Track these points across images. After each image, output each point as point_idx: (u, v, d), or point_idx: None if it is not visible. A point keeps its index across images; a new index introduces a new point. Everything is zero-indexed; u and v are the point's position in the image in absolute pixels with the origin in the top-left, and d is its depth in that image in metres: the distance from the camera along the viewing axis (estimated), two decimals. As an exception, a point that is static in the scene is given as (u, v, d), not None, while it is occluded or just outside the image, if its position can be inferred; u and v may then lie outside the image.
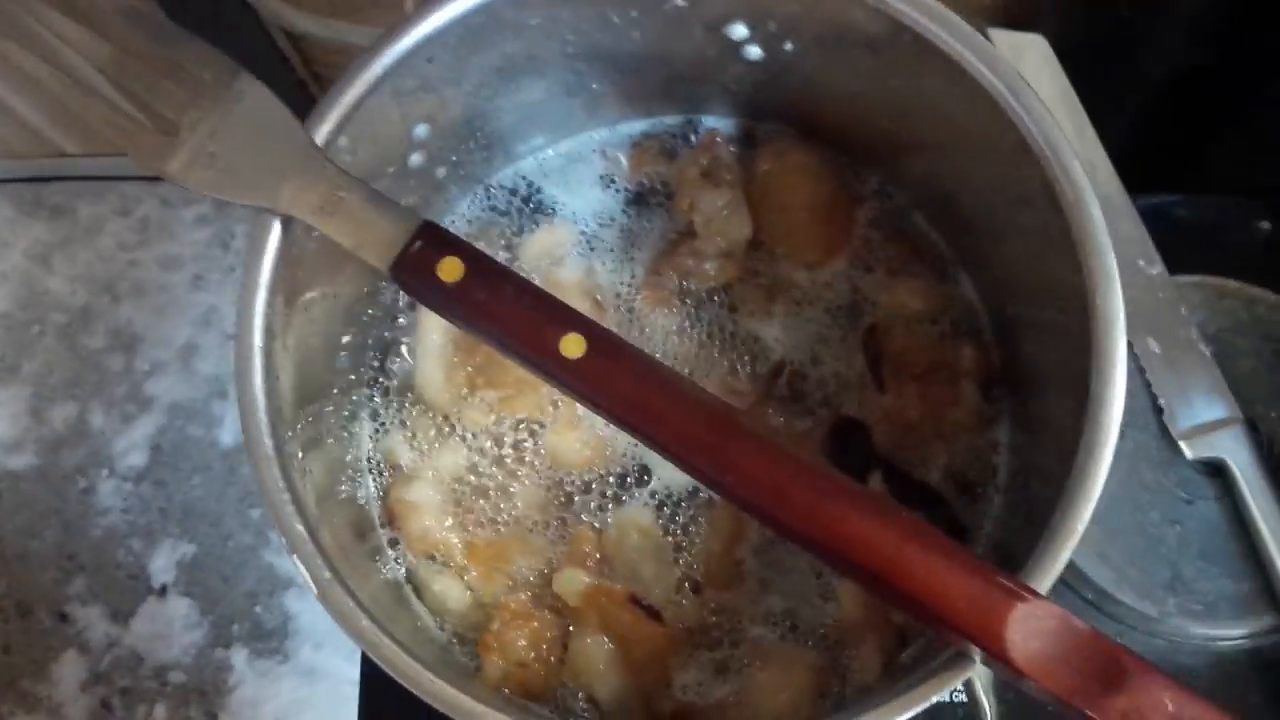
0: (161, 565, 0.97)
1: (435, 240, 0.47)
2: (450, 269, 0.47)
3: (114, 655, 0.95)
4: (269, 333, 0.49)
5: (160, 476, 0.99)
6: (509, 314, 0.47)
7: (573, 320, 0.46)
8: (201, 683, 0.94)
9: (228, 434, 0.97)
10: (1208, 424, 0.65)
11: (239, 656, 0.95)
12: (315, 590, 0.46)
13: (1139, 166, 0.70)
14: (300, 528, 0.47)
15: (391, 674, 0.47)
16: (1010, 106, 0.49)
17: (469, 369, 0.60)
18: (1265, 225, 0.72)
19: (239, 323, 0.48)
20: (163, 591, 0.97)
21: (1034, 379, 0.58)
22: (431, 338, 0.60)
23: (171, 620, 0.96)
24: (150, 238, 1.04)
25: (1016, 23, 0.74)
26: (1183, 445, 0.65)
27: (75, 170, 1.03)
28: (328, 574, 0.47)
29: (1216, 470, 0.65)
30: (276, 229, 0.49)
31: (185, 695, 0.94)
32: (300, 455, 0.51)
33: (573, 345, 0.45)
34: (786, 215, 0.62)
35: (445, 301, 0.47)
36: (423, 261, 0.47)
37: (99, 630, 0.96)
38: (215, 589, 0.96)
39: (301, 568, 0.47)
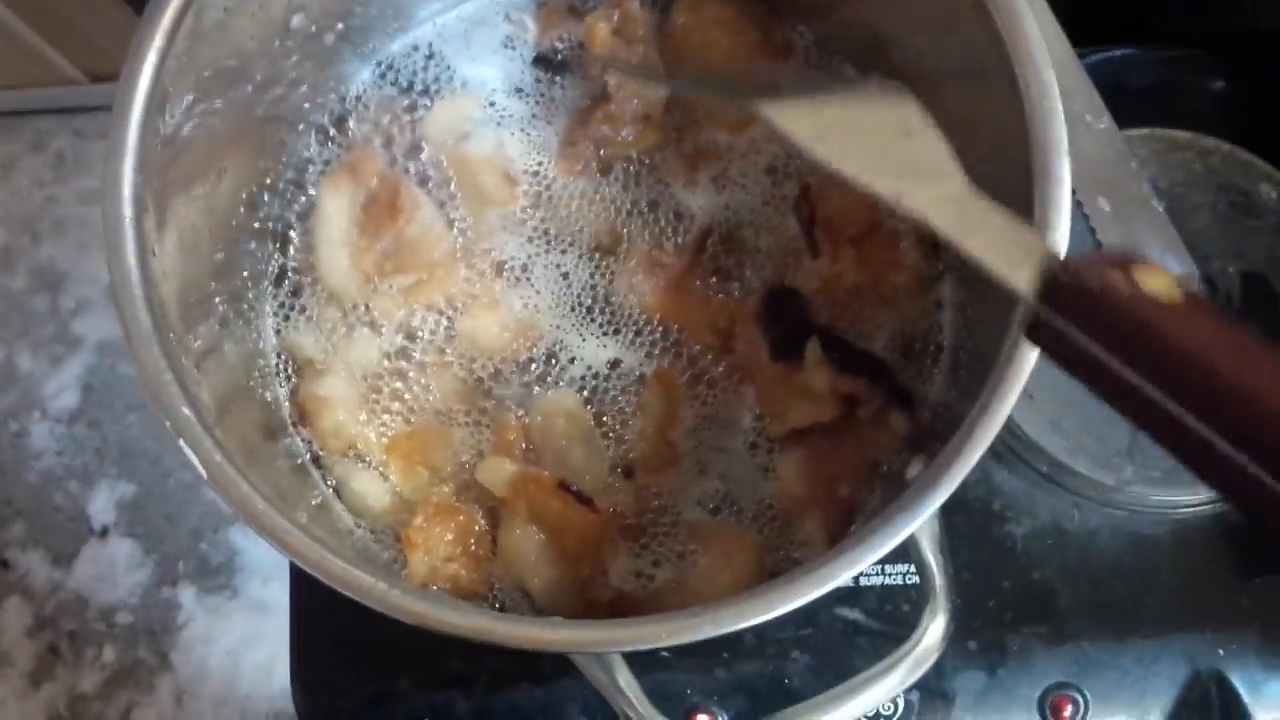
0: (101, 506, 0.94)
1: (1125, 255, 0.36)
2: (1160, 282, 0.34)
3: (58, 599, 0.92)
4: (140, 206, 0.45)
5: (94, 416, 0.96)
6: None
7: None
8: (150, 623, 0.92)
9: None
10: (1162, 281, 0.62)
11: (186, 594, 0.92)
12: (204, 473, 0.43)
13: (1087, 21, 0.67)
14: (187, 411, 0.44)
15: (300, 563, 0.44)
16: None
17: (376, 253, 0.56)
18: (1218, 76, 0.68)
19: (105, 195, 0.44)
20: (104, 533, 0.94)
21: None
22: (333, 221, 0.56)
23: (115, 561, 0.93)
24: (66, 173, 1.00)
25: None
26: (1138, 306, 0.62)
27: (-17, 106, 0.99)
28: (218, 456, 0.43)
29: (1173, 330, 0.62)
30: (141, 94, 0.45)
31: (134, 636, 0.92)
32: (193, 348, 0.48)
33: None
34: (705, 72, 0.58)
35: (1128, 321, 0.34)
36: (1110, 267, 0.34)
37: (41, 575, 0.93)
38: (158, 528, 0.94)
39: (189, 450, 0.43)
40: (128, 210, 0.44)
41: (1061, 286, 0.35)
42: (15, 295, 0.97)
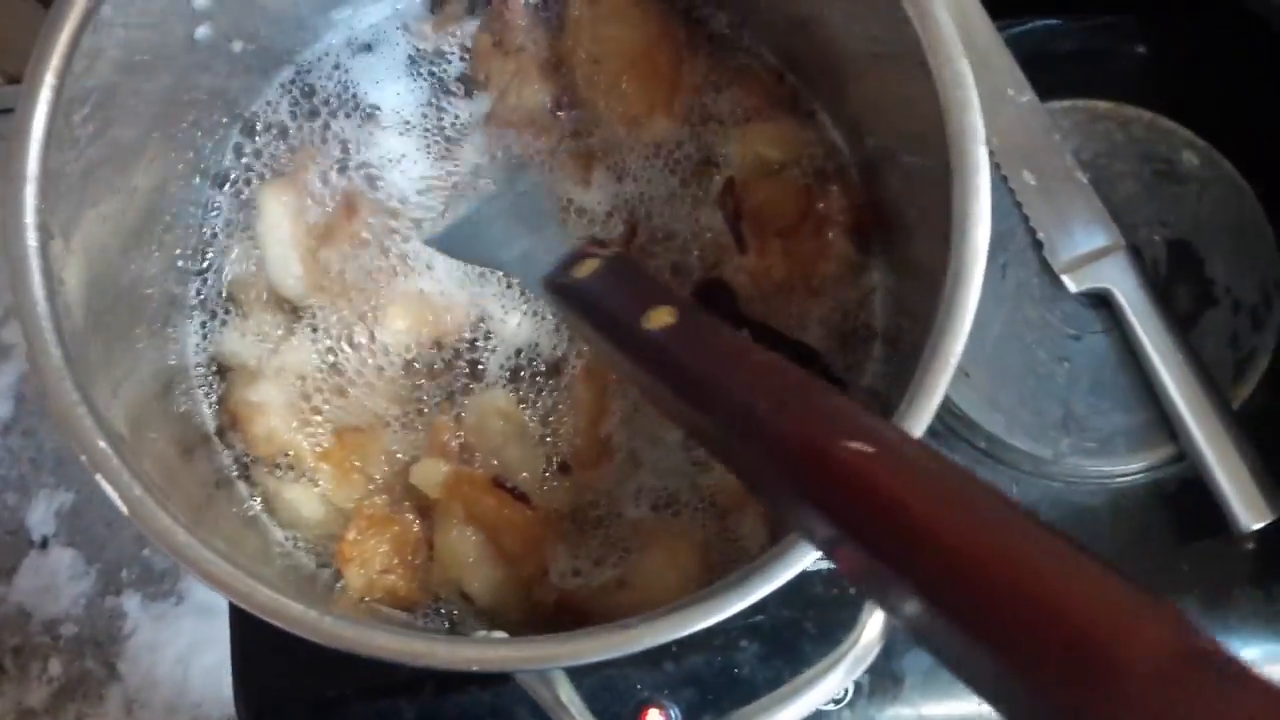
0: (40, 517, 0.92)
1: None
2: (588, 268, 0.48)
3: (0, 614, 0.91)
4: (45, 234, 0.44)
5: (28, 425, 0.94)
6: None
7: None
8: (95, 633, 0.90)
9: (90, 373, 0.92)
10: (1089, 254, 0.63)
11: (131, 602, 0.91)
12: (125, 509, 0.42)
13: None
14: (103, 445, 0.43)
15: (226, 595, 0.43)
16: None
17: (323, 257, 0.56)
18: (1137, 43, 0.68)
19: (6, 224, 0.43)
20: (44, 544, 0.92)
21: (903, 218, 0.54)
22: (281, 226, 0.56)
23: (56, 572, 0.92)
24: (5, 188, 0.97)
25: None
26: (1065, 279, 0.63)
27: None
28: (138, 490, 0.42)
29: (1102, 301, 0.63)
30: (41, 116, 0.44)
31: (80, 647, 0.90)
32: (109, 373, 0.47)
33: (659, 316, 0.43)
34: (602, 68, 0.57)
35: (572, 299, 0.48)
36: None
37: (-19, 590, 0.91)
38: (99, 535, 0.92)
39: (107, 486, 0.42)
40: (32, 239, 0.43)
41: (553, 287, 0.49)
42: (-61, 307, 0.95)
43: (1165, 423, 0.61)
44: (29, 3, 0.79)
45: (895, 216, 0.56)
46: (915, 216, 0.53)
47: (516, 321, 0.56)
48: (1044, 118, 0.64)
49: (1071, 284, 0.62)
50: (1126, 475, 0.63)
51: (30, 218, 0.43)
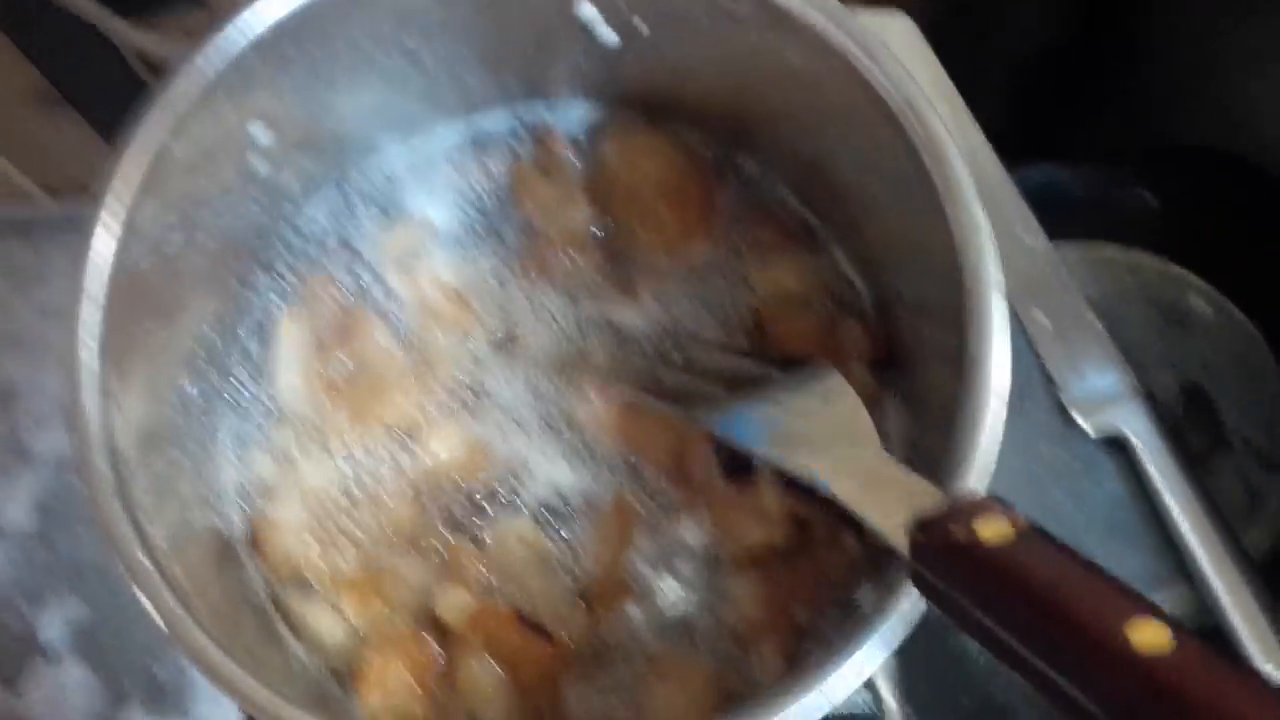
0: (52, 628, 0.92)
1: (972, 503, 0.40)
2: (994, 528, 0.37)
3: (6, 725, 0.90)
4: (101, 349, 0.46)
5: (47, 533, 0.94)
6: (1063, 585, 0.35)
7: (1144, 602, 0.34)
8: (100, 749, 0.90)
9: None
10: (1103, 395, 0.64)
11: (137, 717, 0.90)
12: (163, 625, 0.43)
13: (1018, 139, 0.70)
14: (144, 558, 0.44)
15: (255, 715, 0.43)
16: (863, 65, 0.48)
17: (330, 376, 0.58)
18: (1147, 191, 0.71)
19: (65, 340, 0.45)
20: (54, 655, 0.92)
21: (917, 355, 0.56)
22: (288, 345, 0.57)
23: (65, 684, 0.91)
24: (25, 287, 0.99)
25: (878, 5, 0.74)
26: (1080, 420, 0.64)
27: (-58, 220, 0.98)
28: (177, 607, 0.43)
29: (1116, 443, 0.64)
30: (102, 241, 0.46)
31: (84, 762, 0.89)
32: (150, 487, 0.48)
33: (1151, 632, 0.32)
34: (636, 199, 0.60)
35: (971, 569, 0.37)
36: (957, 518, 0.38)
37: (-12, 700, 0.90)
38: (109, 648, 0.91)
39: (149, 604, 0.43)
40: (88, 356, 0.45)
41: (921, 546, 0.39)
42: (-33, 412, 0.96)
43: (1181, 566, 0.62)
44: (75, 123, 0.82)
45: (910, 352, 0.57)
46: (929, 355, 0.54)
47: (554, 465, 0.58)
48: (1055, 259, 0.66)
49: (1087, 426, 0.64)
50: (1142, 618, 0.63)
51: (88, 335, 0.45)
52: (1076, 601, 0.34)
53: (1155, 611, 0.32)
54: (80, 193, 0.47)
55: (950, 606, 0.38)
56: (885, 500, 0.41)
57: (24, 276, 1.00)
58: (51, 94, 0.78)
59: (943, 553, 0.38)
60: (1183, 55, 0.73)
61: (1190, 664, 0.31)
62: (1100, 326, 0.65)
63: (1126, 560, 0.63)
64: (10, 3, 0.64)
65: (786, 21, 0.49)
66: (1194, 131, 0.73)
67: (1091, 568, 0.35)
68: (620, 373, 0.58)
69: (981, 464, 0.45)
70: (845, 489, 0.43)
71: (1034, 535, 0.37)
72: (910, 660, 0.60)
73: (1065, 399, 0.64)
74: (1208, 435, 0.65)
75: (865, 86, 0.48)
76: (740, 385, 0.54)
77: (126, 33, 0.71)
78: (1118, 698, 0.31)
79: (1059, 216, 0.68)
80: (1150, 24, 0.74)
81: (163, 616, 0.43)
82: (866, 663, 0.43)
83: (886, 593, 0.44)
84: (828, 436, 0.46)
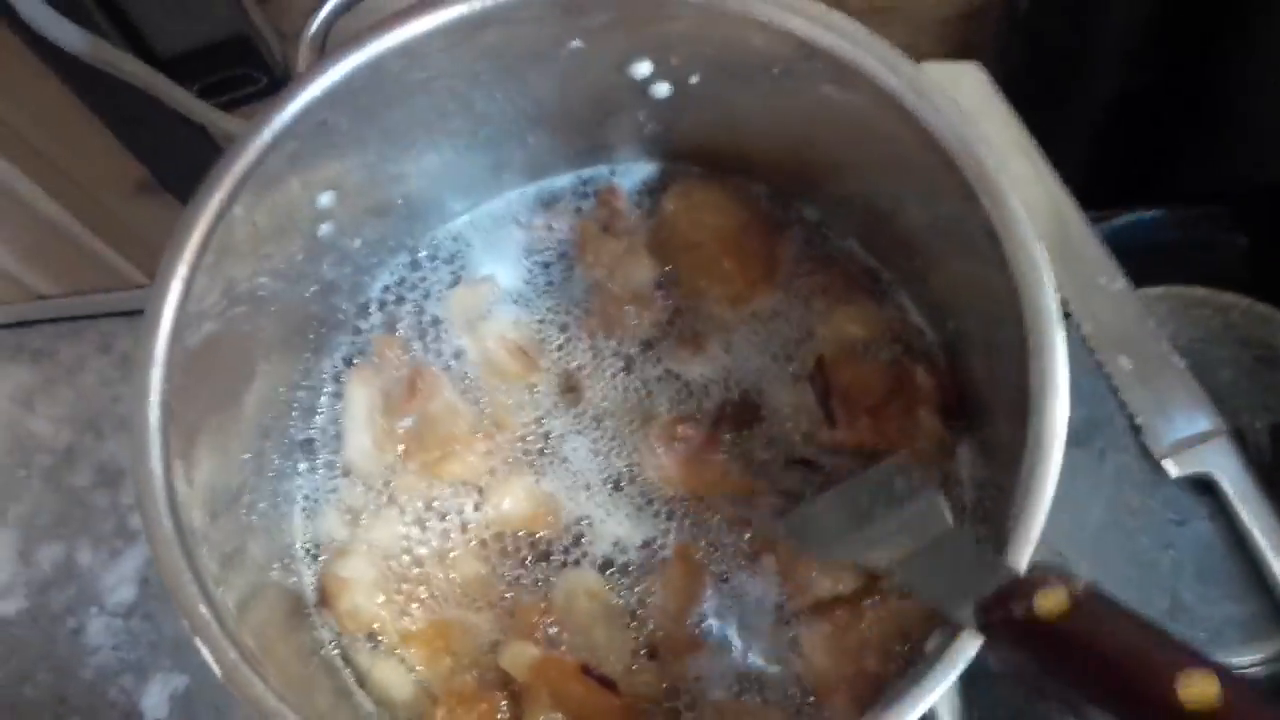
0: (154, 701, 0.95)
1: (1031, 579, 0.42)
2: (1053, 599, 0.40)
3: (112, 798, 0.92)
4: (168, 414, 0.47)
5: (149, 609, 0.97)
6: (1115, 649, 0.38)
7: (1194, 657, 0.37)
8: (205, 821, 0.91)
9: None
10: (1190, 439, 0.62)
11: (233, 783, 0.91)
12: (220, 672, 0.44)
13: (1100, 186, 0.69)
14: (204, 611, 0.45)
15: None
16: (914, 106, 0.48)
17: (398, 434, 0.59)
18: (1235, 232, 0.69)
19: (132, 405, 0.47)
20: (155, 726, 0.94)
21: (986, 397, 0.55)
22: (356, 405, 0.59)
23: (167, 754, 0.93)
24: (131, 369, 1.04)
25: (952, 56, 0.73)
26: (1166, 464, 0.61)
27: (54, 312, 1.04)
28: (233, 654, 0.44)
29: (1205, 487, 0.61)
30: (172, 304, 0.48)
31: (191, 834, 0.91)
32: (218, 547, 0.49)
33: (1198, 688, 0.35)
34: (697, 253, 0.61)
35: (1030, 643, 0.40)
36: (1016, 595, 0.41)
37: (96, 772, 0.93)
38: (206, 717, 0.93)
39: (204, 649, 0.44)
40: (154, 418, 0.46)
41: (984, 625, 0.42)
42: (78, 492, 1.00)
43: (1278, 613, 0.59)
44: (175, 215, 0.86)
45: (979, 395, 0.56)
46: (997, 396, 0.53)
47: (619, 518, 0.58)
48: (1137, 304, 0.64)
49: (1173, 468, 0.61)
50: (1242, 668, 0.59)
51: (155, 397, 0.47)
52: (1128, 663, 0.37)
53: (1206, 664, 0.36)
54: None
55: (1014, 670, 0.42)
56: (952, 586, 0.43)
57: (131, 363, 1.04)
58: (151, 183, 0.82)
59: (1004, 629, 0.41)
60: (1266, 95, 0.71)
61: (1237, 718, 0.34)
62: (1185, 370, 0.63)
63: (1223, 607, 0.60)
64: (113, 99, 0.68)
65: (847, 75, 0.50)
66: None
67: (1145, 627, 0.39)
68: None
69: (1042, 498, 0.44)
70: (915, 583, 0.46)
71: (1091, 600, 0.40)
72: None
73: (1150, 444, 0.62)
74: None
75: (920, 131, 0.48)
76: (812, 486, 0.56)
77: (222, 121, 0.75)
78: None
79: (1146, 261, 0.66)
80: (1229, 66, 0.72)
81: (220, 664, 0.44)
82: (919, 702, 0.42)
83: (953, 639, 0.43)
84: (900, 533, 0.48)
